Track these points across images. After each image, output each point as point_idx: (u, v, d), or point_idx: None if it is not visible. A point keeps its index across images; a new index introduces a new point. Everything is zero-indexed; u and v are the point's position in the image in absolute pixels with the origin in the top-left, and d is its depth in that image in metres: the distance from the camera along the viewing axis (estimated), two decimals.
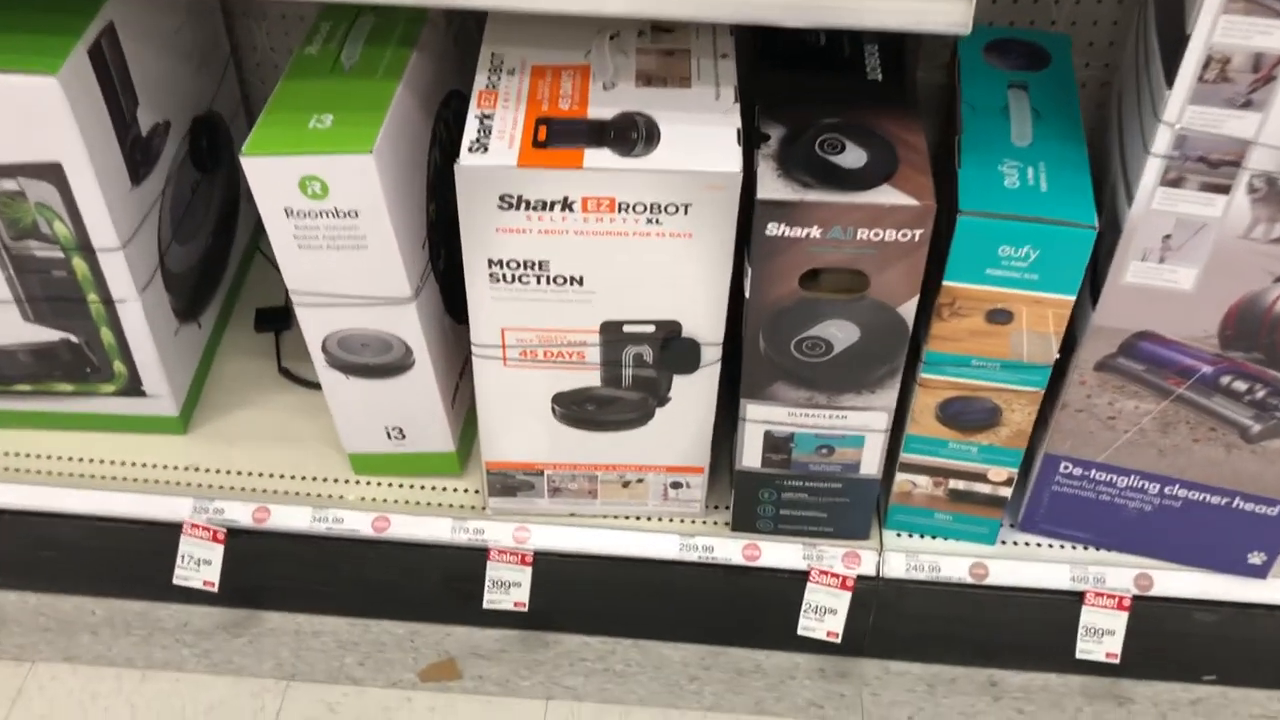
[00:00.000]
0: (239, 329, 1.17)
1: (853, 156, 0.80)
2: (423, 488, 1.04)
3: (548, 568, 1.01)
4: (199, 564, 1.01)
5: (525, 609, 1.01)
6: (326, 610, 1.10)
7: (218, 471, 1.04)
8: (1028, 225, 0.77)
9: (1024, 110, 0.86)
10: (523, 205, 0.78)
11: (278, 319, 1.17)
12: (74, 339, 0.99)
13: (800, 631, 0.99)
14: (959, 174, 0.80)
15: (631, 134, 0.79)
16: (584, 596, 1.05)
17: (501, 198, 0.78)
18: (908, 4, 0.72)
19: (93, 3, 0.87)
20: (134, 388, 1.03)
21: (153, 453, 1.05)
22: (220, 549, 1.01)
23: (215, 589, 1.01)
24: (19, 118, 0.84)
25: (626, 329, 0.86)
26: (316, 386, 1.10)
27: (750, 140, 0.80)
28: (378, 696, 1.05)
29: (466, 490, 1.04)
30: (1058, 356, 0.85)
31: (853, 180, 0.78)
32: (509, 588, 1.01)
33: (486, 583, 1.00)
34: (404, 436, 1.01)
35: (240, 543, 1.01)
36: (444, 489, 1.04)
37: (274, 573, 1.06)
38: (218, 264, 1.15)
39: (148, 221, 0.97)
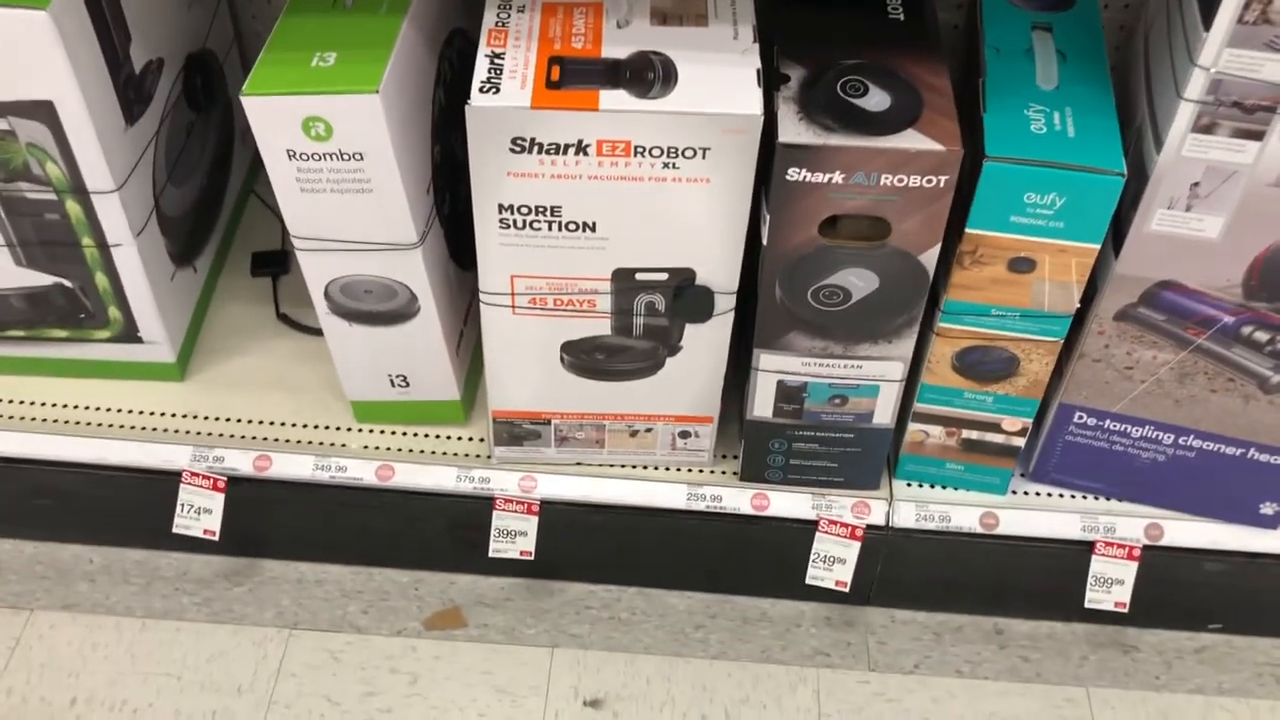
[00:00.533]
0: (234, 273, 1.15)
1: (876, 99, 0.77)
2: (426, 436, 1.02)
3: (554, 517, 1.00)
4: (199, 513, 1.00)
5: (531, 558, 1.00)
6: (328, 559, 1.08)
7: (217, 419, 1.02)
8: (1055, 171, 0.75)
9: (1049, 53, 0.84)
10: (535, 148, 0.76)
11: (275, 263, 1.15)
12: (68, 284, 0.96)
13: (809, 581, 0.99)
14: (984, 118, 0.78)
15: (648, 74, 0.76)
16: (590, 546, 1.04)
17: (514, 140, 0.75)
18: None
19: None
20: (129, 334, 1.00)
21: (150, 400, 1.03)
22: (220, 498, 0.99)
23: (216, 538, 0.99)
24: (9, 54, 0.80)
25: (639, 277, 0.84)
26: (316, 332, 1.09)
27: (769, 81, 0.78)
28: (382, 645, 1.04)
29: (471, 439, 1.02)
30: (1079, 306, 0.84)
31: (876, 124, 0.75)
32: (514, 537, 1.00)
33: (492, 531, 0.99)
34: (408, 385, 0.99)
35: (241, 491, 1.00)
36: (448, 438, 1.02)
37: (275, 521, 1.04)
38: (213, 207, 1.12)
39: (142, 163, 0.94)
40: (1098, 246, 0.79)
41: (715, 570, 1.06)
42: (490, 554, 0.99)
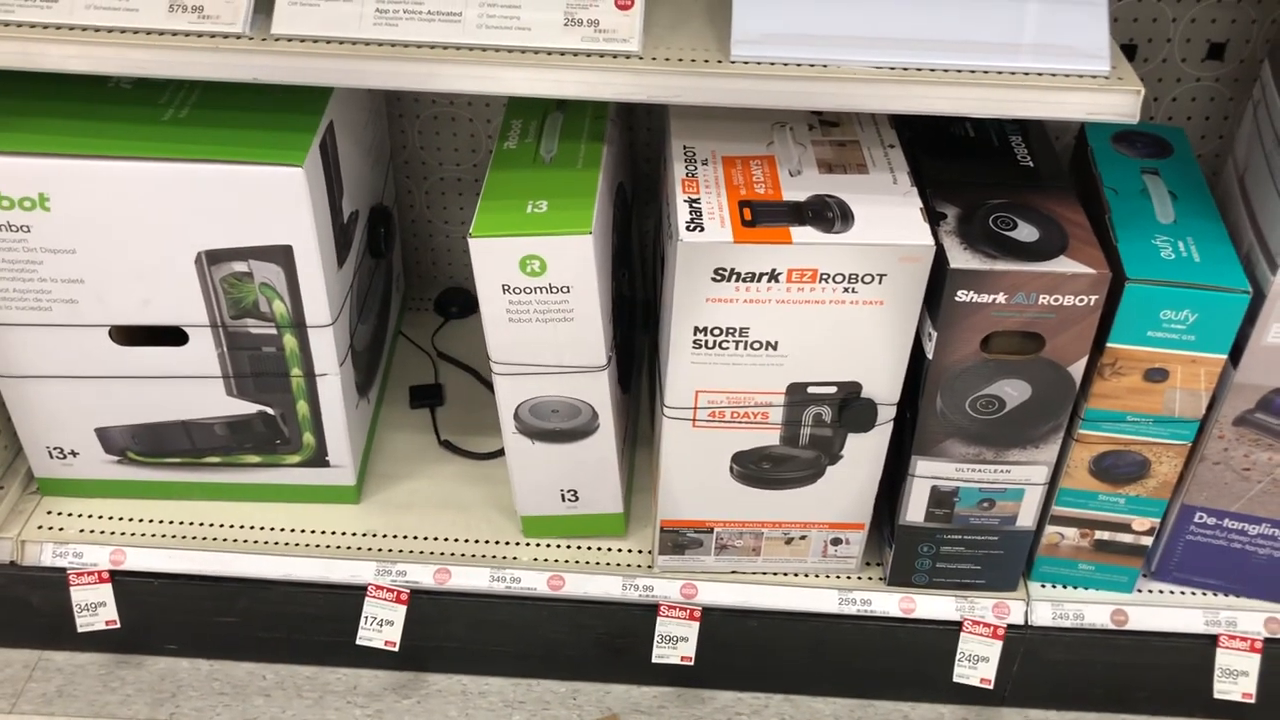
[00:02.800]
0: (392, 405, 1.25)
1: (1025, 232, 0.89)
2: (588, 548, 1.10)
3: (712, 623, 1.06)
4: (381, 625, 1.06)
5: (691, 663, 1.06)
6: (489, 672, 1.14)
7: (394, 537, 1.10)
8: (1189, 291, 0.87)
9: (1162, 193, 0.96)
10: (734, 277, 0.87)
11: (431, 395, 1.25)
12: (270, 411, 1.05)
13: (956, 679, 1.05)
14: (1119, 247, 0.90)
15: (827, 213, 0.88)
16: (740, 652, 1.11)
17: (716, 270, 0.86)
18: (1084, 97, 0.82)
19: (319, 101, 0.96)
20: (319, 458, 1.09)
21: (330, 520, 1.11)
22: (403, 610, 1.06)
23: (396, 648, 1.06)
24: (262, 205, 0.92)
25: (810, 390, 0.94)
26: (478, 457, 1.19)
27: (930, 218, 0.89)
28: None
29: (629, 550, 1.10)
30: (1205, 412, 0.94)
31: (1031, 252, 0.87)
32: (676, 642, 1.06)
33: (655, 638, 1.06)
34: (577, 499, 1.07)
35: (420, 604, 1.07)
36: (608, 549, 1.10)
37: (447, 634, 1.11)
38: (380, 344, 1.23)
39: (346, 301, 1.04)
40: (1224, 356, 0.90)
41: (858, 675, 1.12)
42: (654, 659, 1.06)
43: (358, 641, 1.06)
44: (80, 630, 1.08)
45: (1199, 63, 1.16)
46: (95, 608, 1.08)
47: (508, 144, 1.00)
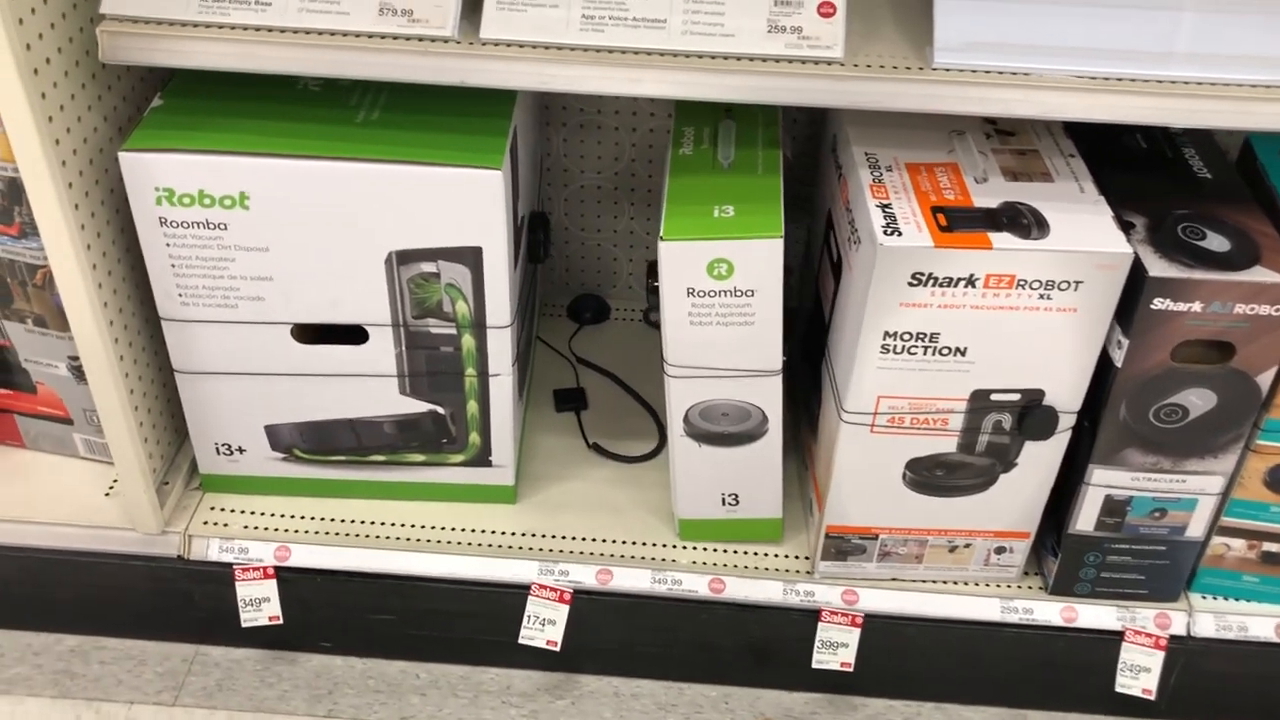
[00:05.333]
0: (536, 408, 1.26)
1: (1216, 241, 0.89)
2: (745, 552, 1.11)
3: (870, 629, 1.07)
4: (544, 624, 1.07)
5: (851, 669, 1.07)
6: (641, 674, 1.15)
7: (553, 537, 1.11)
8: None
9: None
10: (930, 282, 0.88)
11: (575, 399, 1.26)
12: (440, 410, 1.07)
13: (1118, 689, 1.05)
14: None
15: (1022, 220, 0.89)
16: (897, 659, 1.11)
17: (913, 275, 0.87)
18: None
19: (506, 105, 0.98)
20: (483, 458, 1.10)
21: (490, 520, 1.12)
22: (565, 609, 1.07)
23: (558, 648, 1.07)
24: (457, 206, 0.94)
25: (993, 397, 0.95)
26: (628, 460, 1.20)
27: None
28: None
29: (786, 555, 1.10)
30: None
31: (1226, 261, 0.87)
32: (836, 648, 1.07)
33: (816, 643, 1.07)
34: (737, 503, 1.08)
35: (582, 603, 1.08)
36: (765, 554, 1.10)
37: (603, 634, 1.12)
38: (529, 348, 1.24)
39: (517, 302, 1.06)
40: None
41: (1015, 684, 1.12)
42: (814, 665, 1.06)
43: (520, 640, 1.07)
44: (244, 625, 1.10)
45: None
46: (259, 603, 1.10)
47: (683, 150, 1.02)
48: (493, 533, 1.12)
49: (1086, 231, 0.88)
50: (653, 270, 1.11)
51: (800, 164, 1.25)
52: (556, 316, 1.41)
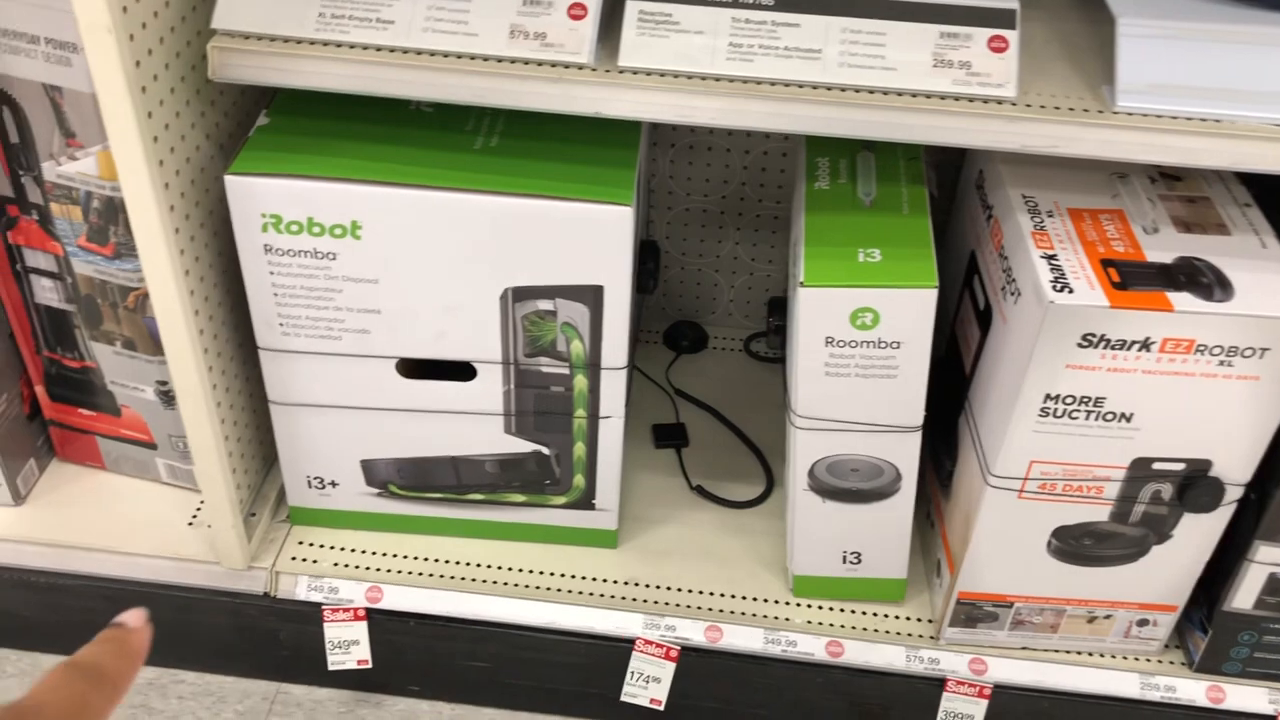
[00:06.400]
0: (633, 441, 1.19)
1: None
2: (864, 613, 1.04)
3: (1000, 701, 1.00)
4: (648, 681, 1.01)
5: None
6: None
7: (656, 587, 1.05)
8: None
9: None
10: (1102, 344, 0.80)
11: (676, 435, 1.19)
12: (545, 451, 1.01)
13: None
14: None
15: (1201, 279, 0.81)
16: None
17: (1084, 336, 0.80)
18: None
19: (632, 134, 0.92)
20: (586, 500, 1.04)
21: (590, 566, 1.06)
22: (671, 667, 1.01)
23: (661, 707, 1.01)
24: (582, 244, 0.87)
25: (1155, 466, 0.87)
26: (733, 505, 1.13)
27: None
28: None
29: (909, 618, 1.03)
30: None
31: None
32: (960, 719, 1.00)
33: (939, 714, 1.00)
34: (859, 561, 1.01)
35: (688, 661, 1.01)
36: (885, 615, 1.04)
37: (706, 693, 1.05)
38: (630, 382, 1.18)
39: (632, 341, 1.00)
40: None
41: None
42: None
43: (622, 698, 1.01)
44: (331, 668, 1.04)
45: None
46: (348, 645, 1.04)
47: (818, 184, 0.94)
48: (594, 580, 1.05)
49: (1274, 294, 0.80)
50: (774, 308, 1.05)
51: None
52: (651, 343, 1.34)
